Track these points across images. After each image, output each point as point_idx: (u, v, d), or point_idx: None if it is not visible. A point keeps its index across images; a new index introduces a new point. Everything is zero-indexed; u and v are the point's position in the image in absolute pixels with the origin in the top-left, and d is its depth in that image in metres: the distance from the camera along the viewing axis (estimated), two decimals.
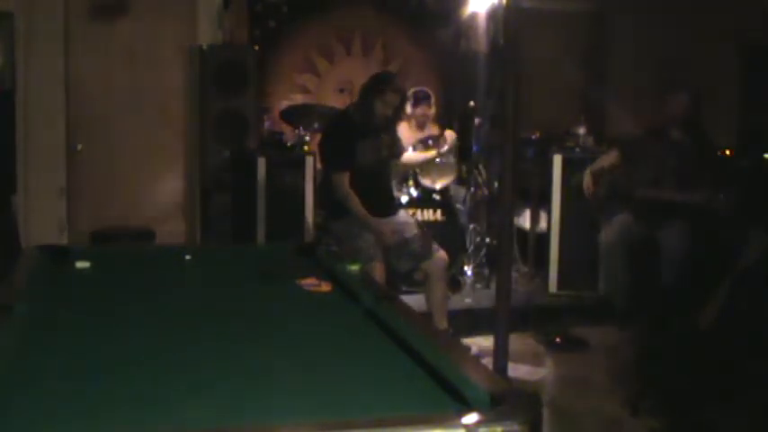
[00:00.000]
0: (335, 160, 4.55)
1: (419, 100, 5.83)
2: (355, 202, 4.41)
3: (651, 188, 5.14)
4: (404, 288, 5.09)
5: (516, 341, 4.49)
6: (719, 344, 4.02)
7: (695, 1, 6.37)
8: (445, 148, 5.62)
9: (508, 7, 3.35)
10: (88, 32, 5.84)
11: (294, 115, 5.98)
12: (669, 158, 5.12)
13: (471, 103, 6.28)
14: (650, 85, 6.30)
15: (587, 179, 5.23)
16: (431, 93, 5.97)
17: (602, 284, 5.41)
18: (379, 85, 4.49)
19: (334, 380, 1.91)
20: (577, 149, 5.83)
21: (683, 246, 4.99)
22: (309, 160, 5.63)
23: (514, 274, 5.68)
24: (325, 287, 2.83)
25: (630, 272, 5.15)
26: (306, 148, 5.71)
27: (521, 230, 6.13)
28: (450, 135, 5.71)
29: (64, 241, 5.52)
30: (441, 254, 4.55)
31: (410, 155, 5.45)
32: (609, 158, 5.36)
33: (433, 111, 5.99)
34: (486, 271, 5.88)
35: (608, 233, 5.29)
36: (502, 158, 3.55)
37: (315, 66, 6.58)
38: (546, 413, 3.88)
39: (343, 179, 4.44)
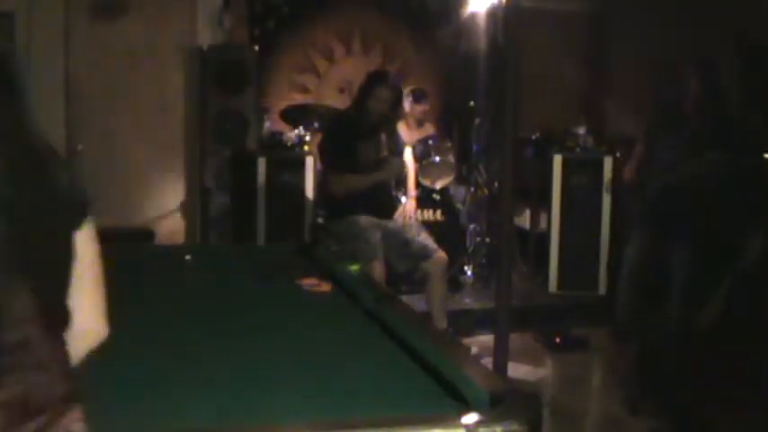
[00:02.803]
0: (332, 161, 4.58)
1: (417, 98, 5.85)
2: (348, 179, 4.45)
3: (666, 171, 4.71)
4: (404, 288, 5.09)
5: (516, 341, 4.49)
6: (719, 344, 4.01)
7: (695, 1, 6.37)
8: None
9: (508, 7, 3.36)
10: (88, 32, 5.83)
11: (294, 115, 5.98)
12: (684, 139, 4.54)
13: (471, 103, 6.28)
14: (650, 85, 6.29)
15: (628, 171, 4.80)
16: (426, 91, 6.01)
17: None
18: (371, 82, 4.53)
19: (334, 380, 1.91)
20: (577, 149, 5.84)
21: (694, 272, 4.66)
22: (309, 160, 5.63)
23: (514, 274, 5.68)
24: (325, 287, 2.83)
25: (635, 295, 4.91)
26: (306, 148, 5.71)
27: (521, 230, 6.13)
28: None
29: None
30: (440, 254, 4.55)
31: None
32: (637, 154, 4.79)
33: (428, 108, 6.04)
34: (486, 271, 5.88)
35: (629, 257, 4.94)
36: (501, 158, 3.55)
37: (315, 66, 6.57)
38: (546, 413, 3.88)
39: (340, 179, 4.45)
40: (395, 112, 4.62)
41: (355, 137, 4.50)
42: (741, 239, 4.45)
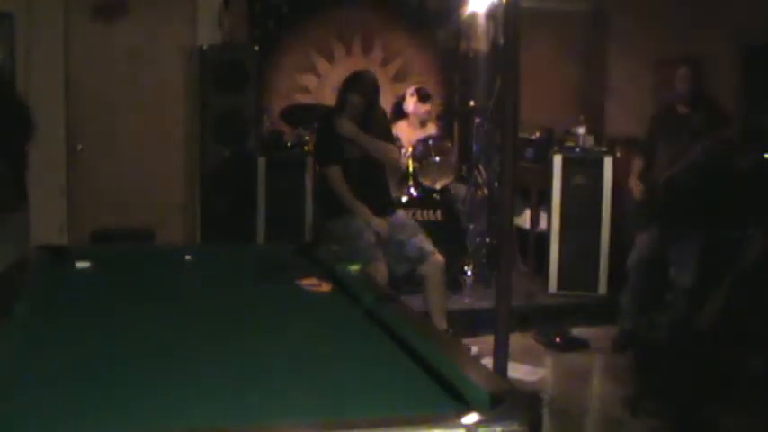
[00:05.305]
0: (323, 155, 4.61)
1: (422, 98, 5.85)
2: (346, 191, 4.43)
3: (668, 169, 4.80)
4: (404, 288, 5.08)
5: (516, 341, 4.49)
6: (719, 344, 4.02)
7: (695, 1, 6.37)
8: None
9: (508, 7, 3.35)
10: (88, 32, 5.84)
11: (294, 115, 5.99)
12: (682, 136, 4.84)
13: (471, 103, 6.28)
14: (650, 85, 6.29)
15: (634, 184, 4.99)
16: (430, 91, 6.01)
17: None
18: (343, 89, 4.52)
19: (334, 380, 1.91)
20: (577, 149, 5.84)
21: (695, 267, 4.73)
22: (309, 160, 5.64)
23: (514, 274, 5.68)
24: (326, 287, 2.82)
25: (638, 295, 4.91)
26: (306, 148, 5.72)
27: (521, 230, 6.13)
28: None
29: (64, 241, 5.51)
30: (437, 257, 4.51)
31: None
32: (637, 167, 5.09)
33: (431, 108, 6.05)
34: (486, 271, 5.88)
35: (632, 257, 5.01)
36: (502, 158, 3.55)
37: (315, 66, 6.58)
38: (546, 413, 3.88)
39: (335, 172, 4.45)
40: (370, 108, 4.55)
41: (338, 136, 4.48)
42: (740, 232, 4.46)
